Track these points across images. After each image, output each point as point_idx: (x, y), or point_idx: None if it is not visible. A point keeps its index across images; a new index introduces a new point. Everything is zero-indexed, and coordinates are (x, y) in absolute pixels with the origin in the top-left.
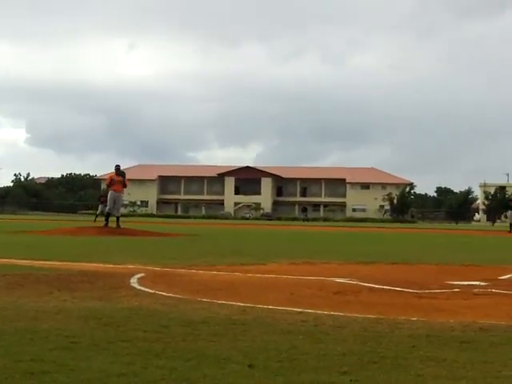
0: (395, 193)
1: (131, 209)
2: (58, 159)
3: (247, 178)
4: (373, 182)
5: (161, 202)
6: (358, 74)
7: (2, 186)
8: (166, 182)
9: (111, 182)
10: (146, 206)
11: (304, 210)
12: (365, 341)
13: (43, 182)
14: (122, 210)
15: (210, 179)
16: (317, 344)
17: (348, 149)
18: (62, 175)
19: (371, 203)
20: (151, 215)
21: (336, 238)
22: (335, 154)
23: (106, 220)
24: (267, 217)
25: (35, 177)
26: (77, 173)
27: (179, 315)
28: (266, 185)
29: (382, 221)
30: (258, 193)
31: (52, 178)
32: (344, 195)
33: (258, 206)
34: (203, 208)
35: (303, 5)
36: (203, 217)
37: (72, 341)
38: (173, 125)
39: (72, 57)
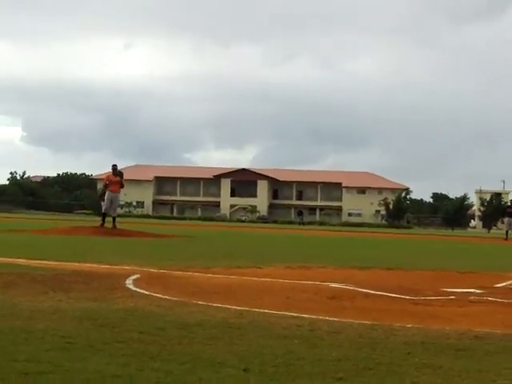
0: (391, 198)
1: (127, 209)
2: (54, 158)
3: (243, 181)
4: (369, 186)
5: (157, 203)
6: (354, 78)
7: None
8: (162, 183)
9: (108, 182)
10: (142, 207)
11: (300, 213)
12: (360, 347)
13: (39, 180)
14: (118, 211)
15: (206, 181)
16: (312, 349)
17: (344, 152)
18: (58, 174)
19: (367, 208)
20: (147, 216)
21: (332, 242)
22: (331, 156)
23: (103, 220)
24: (263, 219)
25: (31, 175)
26: (73, 172)
27: (175, 317)
28: (262, 187)
29: (378, 226)
30: (254, 195)
31: (48, 176)
32: (340, 199)
33: (253, 209)
34: (199, 209)
35: (297, 7)
36: (199, 218)
37: (67, 341)
38: (169, 125)
39: (69, 55)
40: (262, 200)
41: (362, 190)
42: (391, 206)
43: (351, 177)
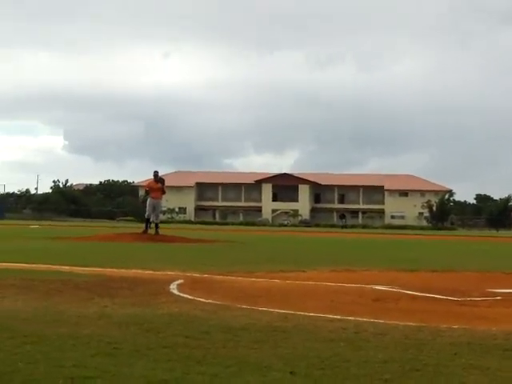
0: (434, 200)
1: (169, 215)
2: (96, 166)
3: (285, 185)
4: (411, 189)
5: (198, 209)
6: (395, 80)
7: (41, 192)
8: (204, 189)
9: (149, 189)
10: (184, 213)
11: (342, 216)
12: (406, 348)
13: (81, 188)
14: (161, 217)
15: (248, 186)
16: (358, 351)
17: (386, 155)
18: (100, 182)
19: (410, 210)
20: (189, 222)
21: (376, 245)
22: (373, 160)
23: (146, 226)
24: (305, 224)
25: (74, 183)
26: (114, 179)
27: (219, 321)
28: (304, 192)
29: (421, 228)
30: (296, 200)
31: (90, 184)
32: (382, 202)
33: (295, 213)
34: (241, 215)
35: (337, 10)
36: (241, 223)
37: (113, 347)
38: (210, 131)
39: (108, 65)
40: (303, 204)
41: (404, 193)
42: (435, 208)
43: (393, 180)
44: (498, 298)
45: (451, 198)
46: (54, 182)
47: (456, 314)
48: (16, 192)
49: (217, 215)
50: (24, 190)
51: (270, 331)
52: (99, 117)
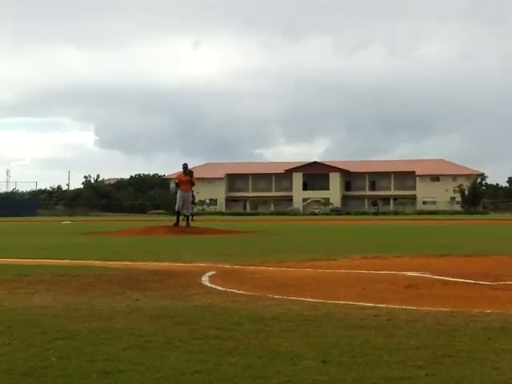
0: (466, 184)
1: (200, 207)
2: (127, 160)
3: (315, 174)
4: (443, 173)
5: (229, 200)
6: (424, 64)
7: (73, 188)
8: (234, 180)
9: (179, 182)
10: (215, 204)
11: (374, 203)
12: (438, 334)
13: (113, 183)
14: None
15: (278, 176)
16: (390, 338)
17: (416, 140)
18: (131, 176)
19: (442, 195)
20: (220, 213)
21: (407, 231)
22: (404, 146)
23: (177, 219)
24: (336, 212)
25: (105, 178)
26: (145, 173)
27: (251, 312)
28: (335, 179)
29: (453, 213)
30: (327, 188)
31: (121, 178)
32: (414, 188)
33: (326, 201)
34: (272, 205)
35: None
36: (272, 213)
37: (146, 340)
38: (239, 122)
39: (137, 57)
40: (334, 192)
41: (435, 178)
42: (466, 193)
43: (424, 165)
44: None
45: (483, 182)
46: (85, 177)
47: (489, 299)
48: (48, 188)
49: (247, 206)
50: (56, 186)
51: (300, 320)
52: (128, 111)
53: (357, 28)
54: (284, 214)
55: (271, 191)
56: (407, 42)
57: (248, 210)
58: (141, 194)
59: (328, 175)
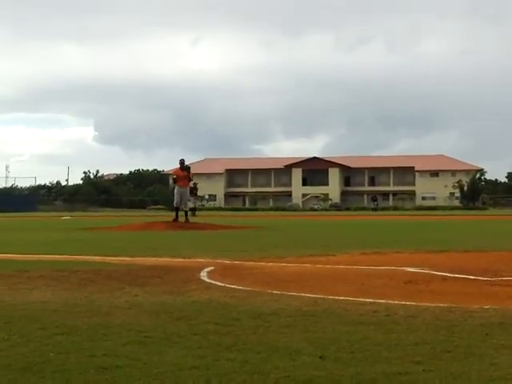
0: (465, 179)
1: (200, 203)
2: (126, 156)
3: (314, 169)
4: (442, 169)
5: (228, 195)
6: (424, 61)
7: (72, 183)
8: (233, 175)
9: (176, 177)
10: (214, 200)
11: (374, 199)
12: (437, 330)
13: (112, 178)
14: (190, 205)
15: (277, 171)
16: (389, 334)
17: (416, 136)
18: (130, 171)
19: (441, 191)
20: (219, 208)
21: (406, 226)
22: (403, 141)
23: (176, 215)
24: (336, 207)
25: (104, 174)
26: (144, 168)
27: (249, 308)
28: (334, 175)
29: (452, 208)
30: (326, 183)
31: (121, 174)
32: (413, 183)
33: (326, 197)
34: (271, 200)
35: None
36: (271, 209)
37: (145, 335)
38: (239, 117)
39: (137, 53)
40: (334, 188)
41: (435, 173)
42: (465, 188)
43: (423, 160)
44: None
45: (482, 177)
46: (84, 172)
47: (487, 295)
48: (47, 184)
49: (247, 201)
50: (55, 181)
51: (299, 316)
52: (128, 106)
53: (357, 24)
54: (283, 209)
55: (270, 187)
56: (407, 38)
57: (247, 205)
58: (140, 190)
59: (327, 171)
